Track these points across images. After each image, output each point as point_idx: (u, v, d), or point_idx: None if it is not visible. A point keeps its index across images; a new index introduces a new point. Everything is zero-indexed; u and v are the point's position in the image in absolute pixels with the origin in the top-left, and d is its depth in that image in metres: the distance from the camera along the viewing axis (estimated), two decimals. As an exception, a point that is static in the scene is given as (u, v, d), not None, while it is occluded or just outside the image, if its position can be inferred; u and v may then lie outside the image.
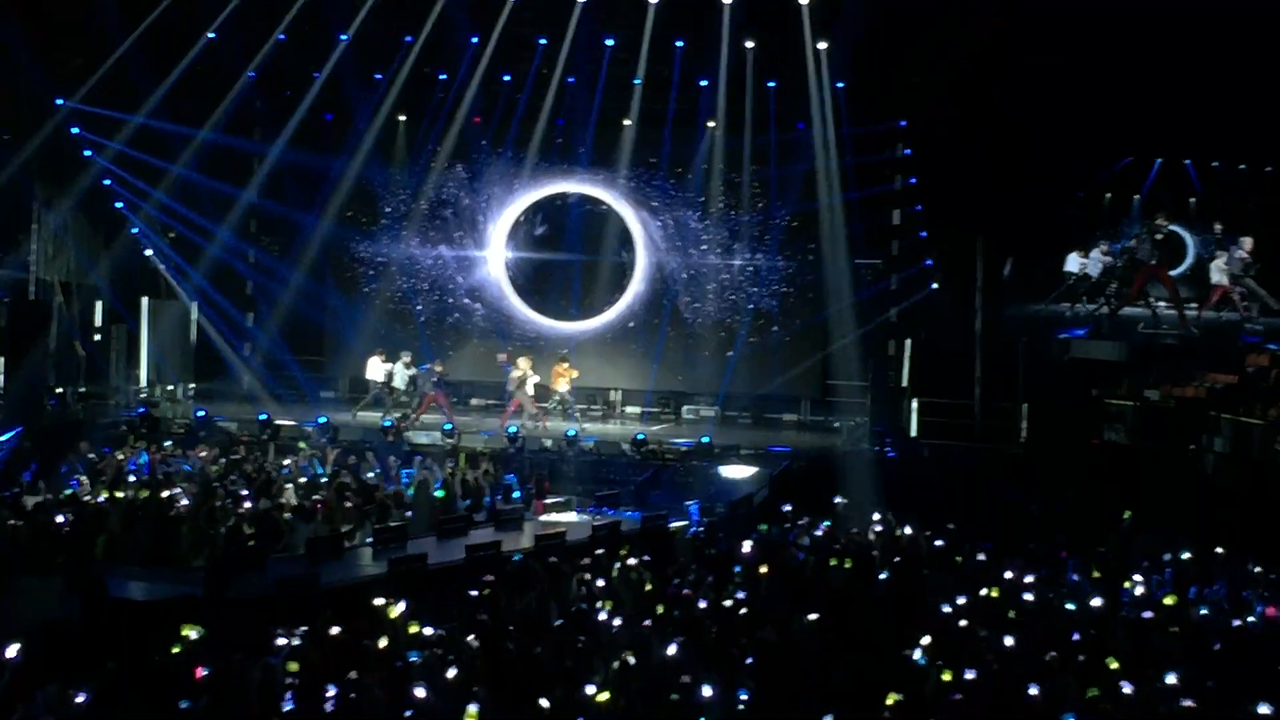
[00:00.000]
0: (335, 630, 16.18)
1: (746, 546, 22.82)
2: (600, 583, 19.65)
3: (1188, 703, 14.81)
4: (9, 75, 32.19)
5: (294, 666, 14.82)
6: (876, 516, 26.34)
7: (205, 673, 14.29)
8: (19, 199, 35.27)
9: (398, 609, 16.73)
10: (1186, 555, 23.38)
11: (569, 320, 40.14)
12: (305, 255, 39.39)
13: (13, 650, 14.53)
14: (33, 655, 14.60)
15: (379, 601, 17.35)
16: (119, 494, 24.79)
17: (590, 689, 14.21)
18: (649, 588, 19.76)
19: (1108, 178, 37.68)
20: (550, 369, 36.34)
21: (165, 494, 24.75)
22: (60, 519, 22.72)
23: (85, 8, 32.94)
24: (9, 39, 31.64)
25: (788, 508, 26.85)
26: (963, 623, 18.05)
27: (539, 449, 32.14)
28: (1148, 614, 19.51)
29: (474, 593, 18.85)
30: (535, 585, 19.44)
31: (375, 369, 36.42)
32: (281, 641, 15.58)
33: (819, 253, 38.20)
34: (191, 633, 15.28)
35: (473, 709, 13.53)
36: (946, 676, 15.22)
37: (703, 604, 18.71)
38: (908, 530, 25.16)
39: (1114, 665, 15.79)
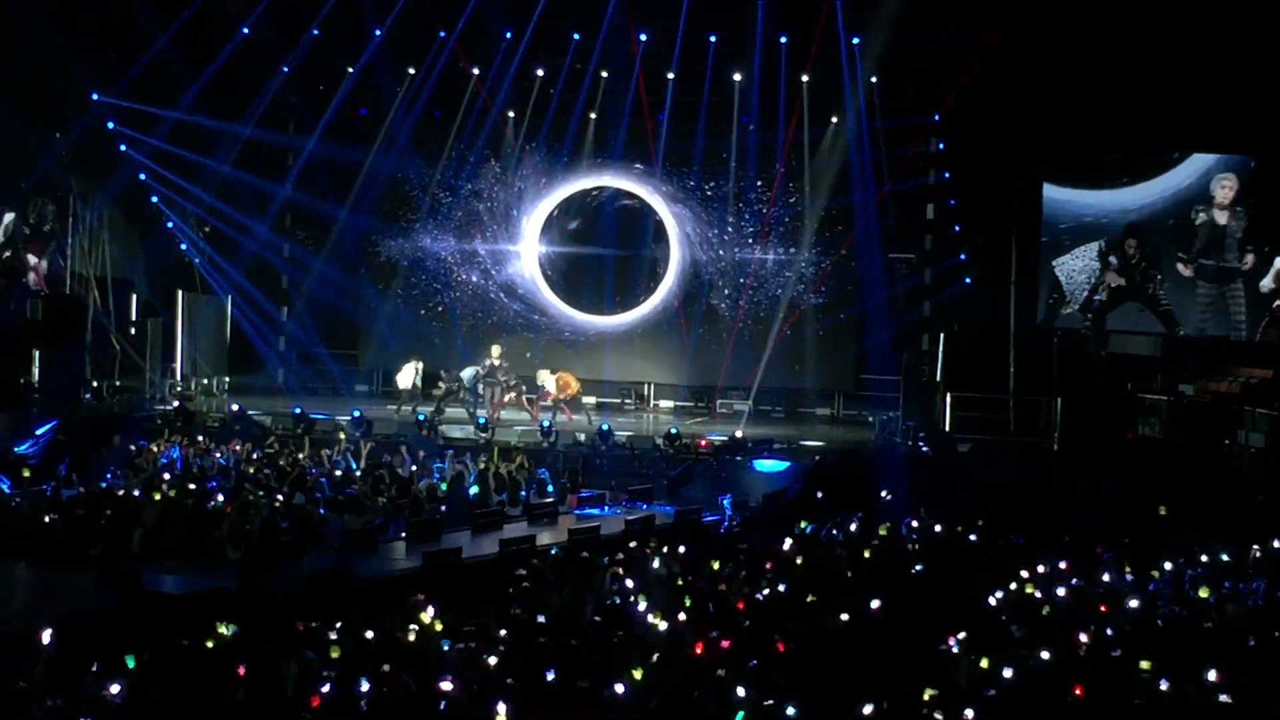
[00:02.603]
0: (369, 623, 16.23)
1: (780, 540, 22.81)
2: (634, 577, 19.62)
3: (1224, 698, 14.76)
4: (46, 70, 32.31)
5: (336, 654, 14.88)
6: (910, 511, 26.26)
7: (244, 669, 14.35)
8: (56, 194, 35.47)
9: (428, 613, 16.72)
10: (1222, 551, 23.27)
11: (602, 315, 40.13)
12: (339, 249, 39.54)
13: (46, 638, 14.61)
14: (67, 647, 14.66)
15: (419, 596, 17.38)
16: (154, 488, 24.83)
17: (619, 687, 14.19)
18: (682, 582, 19.76)
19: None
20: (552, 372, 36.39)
21: (199, 488, 24.81)
22: (95, 512, 22.83)
23: (121, 3, 33.06)
24: (46, 34, 31.78)
25: (822, 502, 26.81)
26: (996, 618, 18.02)
27: (572, 443, 32.14)
28: (1182, 609, 19.46)
29: (509, 587, 18.90)
30: (571, 579, 19.45)
31: (406, 377, 36.40)
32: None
33: (852, 247, 38.19)
34: (225, 630, 15.33)
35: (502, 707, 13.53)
36: (982, 669, 15.20)
37: (736, 598, 18.71)
38: (941, 524, 25.09)
39: (1146, 662, 15.70)
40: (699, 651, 15.62)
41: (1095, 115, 33.55)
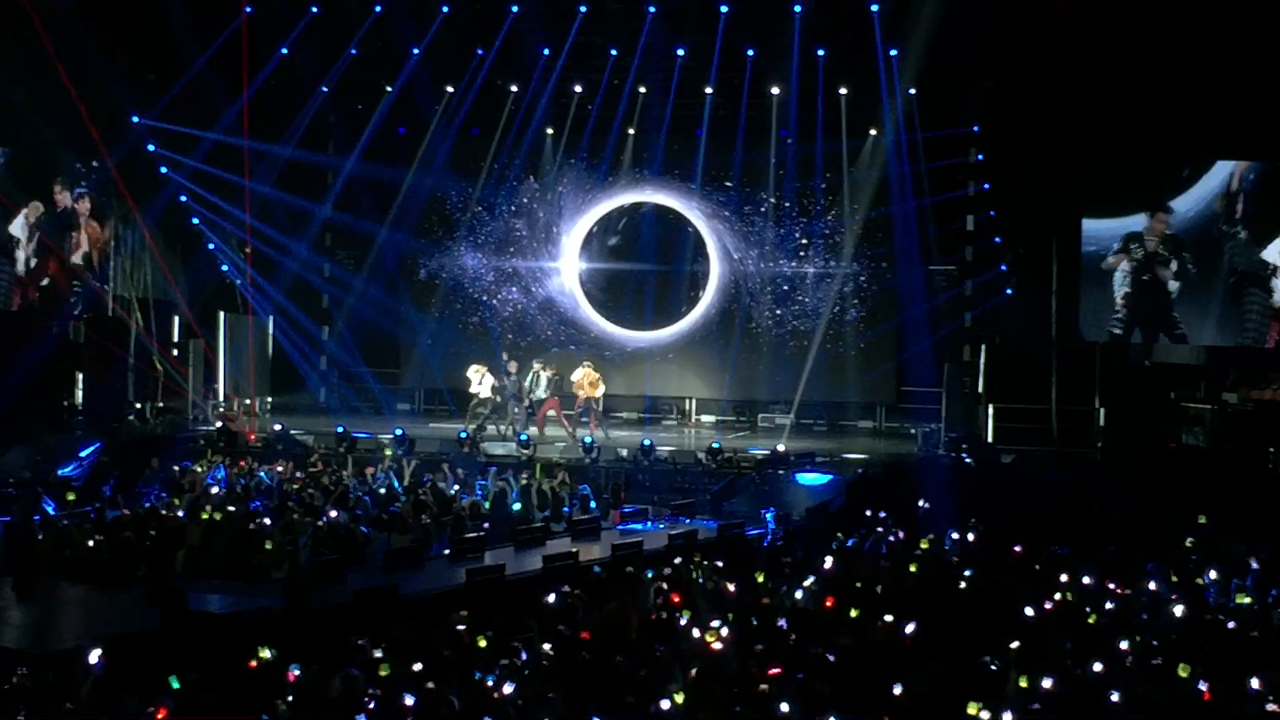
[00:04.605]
0: (414, 641, 16.26)
1: (823, 554, 22.77)
2: (678, 592, 19.59)
3: (1272, 707, 14.69)
4: (86, 93, 32.45)
5: (385, 671, 14.87)
6: (971, 523, 26.15)
7: (296, 675, 14.40)
8: (97, 216, 35.63)
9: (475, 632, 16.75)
10: (1266, 558, 23.14)
11: (643, 330, 40.15)
12: (380, 268, 39.64)
13: (94, 657, 14.66)
14: (113, 668, 14.71)
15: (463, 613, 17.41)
16: (199, 509, 24.89)
17: (665, 703, 14.18)
18: (726, 596, 19.73)
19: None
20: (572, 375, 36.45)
21: (242, 508, 24.89)
22: (140, 533, 22.90)
23: (160, 25, 33.19)
24: (85, 57, 31.92)
25: (865, 515, 26.75)
26: (1041, 629, 17.95)
27: (615, 459, 32.16)
28: (1227, 618, 19.36)
29: (552, 602, 18.89)
30: (616, 595, 19.44)
31: (478, 381, 36.26)
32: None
33: (893, 259, 38.16)
34: (266, 653, 15.33)
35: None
36: (1024, 683, 15.14)
37: (779, 612, 18.68)
38: (985, 536, 25.00)
39: (1188, 672, 15.61)
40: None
41: (1132, 120, 33.38)
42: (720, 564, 21.87)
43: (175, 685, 14.21)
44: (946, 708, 14.22)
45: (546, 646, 16.18)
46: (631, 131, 39.24)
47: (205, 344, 38.22)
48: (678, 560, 22.00)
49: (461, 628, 16.89)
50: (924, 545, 23.87)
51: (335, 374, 41.45)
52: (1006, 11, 32.48)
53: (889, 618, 17.80)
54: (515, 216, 40.25)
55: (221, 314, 38.91)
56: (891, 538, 24.72)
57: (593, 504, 28.13)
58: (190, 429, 35.15)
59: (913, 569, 21.96)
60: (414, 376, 41.63)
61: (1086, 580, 21.18)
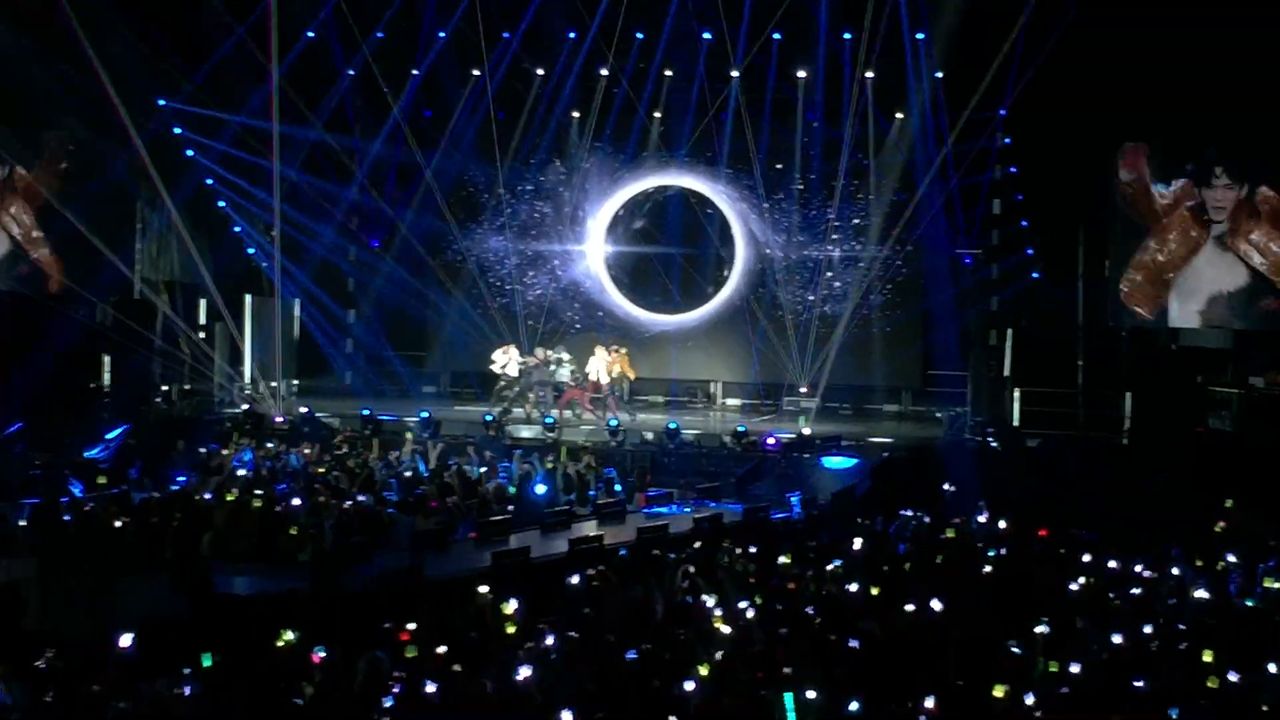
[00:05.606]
0: (441, 623, 16.28)
1: (849, 538, 22.75)
2: (704, 575, 19.58)
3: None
4: (112, 76, 32.47)
5: (412, 653, 14.91)
6: (979, 506, 26.11)
7: (322, 657, 14.43)
8: (124, 199, 35.69)
9: (510, 606, 16.78)
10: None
11: (668, 313, 40.11)
12: (405, 252, 39.62)
13: (126, 640, 14.71)
14: (140, 651, 14.75)
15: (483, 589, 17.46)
16: (226, 491, 24.92)
17: (690, 686, 14.19)
18: (751, 580, 19.73)
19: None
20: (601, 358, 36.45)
21: (269, 491, 24.90)
22: (166, 516, 22.93)
23: (186, 9, 33.23)
24: (112, 41, 31.96)
25: (890, 499, 26.72)
26: (1068, 614, 17.93)
27: (640, 442, 32.14)
28: (1253, 602, 19.34)
29: (577, 584, 18.91)
30: (641, 578, 19.44)
31: (505, 363, 36.25)
32: None
33: (919, 243, 38.07)
34: (289, 634, 15.36)
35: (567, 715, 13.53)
36: (1053, 668, 15.14)
37: (805, 596, 18.68)
38: (1010, 520, 24.96)
39: (1211, 657, 15.58)
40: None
41: (1162, 104, 33.20)
42: (745, 548, 21.85)
43: (207, 663, 14.28)
44: (972, 692, 14.23)
45: (571, 631, 16.19)
46: (657, 115, 39.18)
47: (232, 327, 38.26)
48: (701, 544, 22.03)
49: (484, 600, 16.98)
50: (950, 530, 23.86)
51: (361, 357, 41.50)
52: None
53: (914, 603, 17.80)
54: (540, 200, 40.18)
55: (248, 297, 38.87)
56: (918, 522, 24.71)
57: (618, 487, 28.12)
58: (216, 411, 35.22)
59: (938, 553, 21.96)
60: (440, 359, 41.67)
61: (1112, 565, 21.17)
